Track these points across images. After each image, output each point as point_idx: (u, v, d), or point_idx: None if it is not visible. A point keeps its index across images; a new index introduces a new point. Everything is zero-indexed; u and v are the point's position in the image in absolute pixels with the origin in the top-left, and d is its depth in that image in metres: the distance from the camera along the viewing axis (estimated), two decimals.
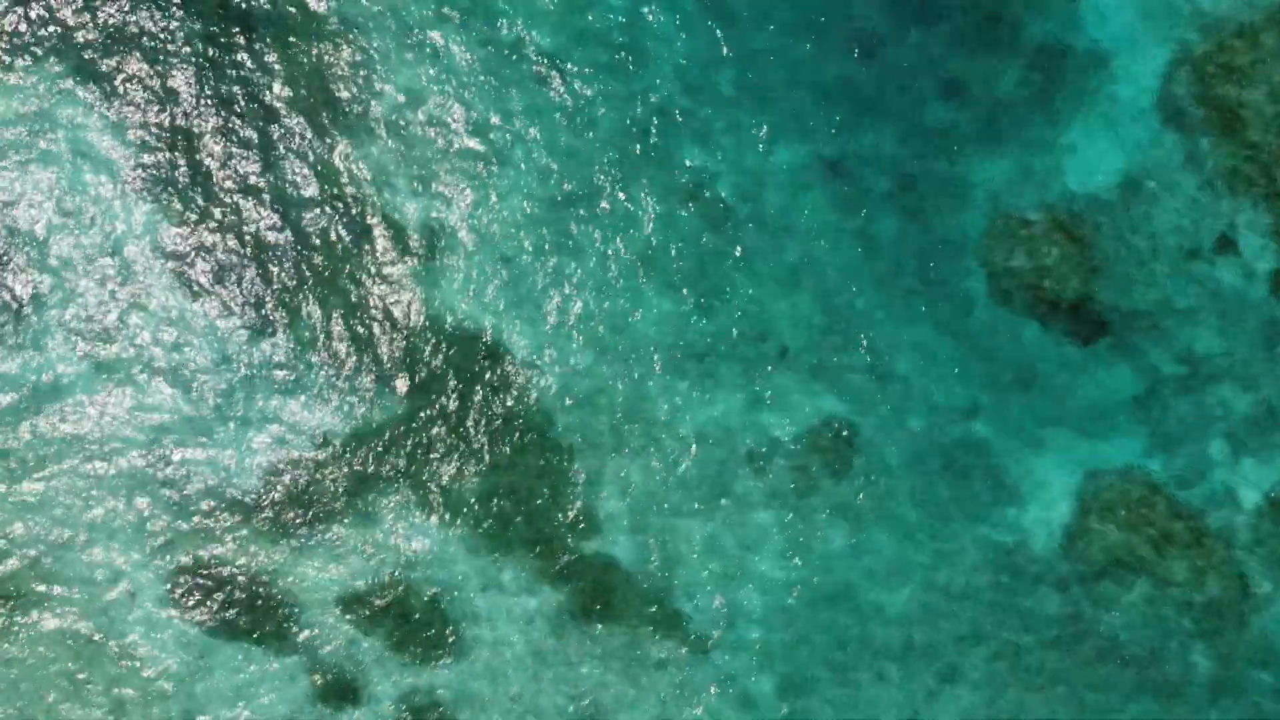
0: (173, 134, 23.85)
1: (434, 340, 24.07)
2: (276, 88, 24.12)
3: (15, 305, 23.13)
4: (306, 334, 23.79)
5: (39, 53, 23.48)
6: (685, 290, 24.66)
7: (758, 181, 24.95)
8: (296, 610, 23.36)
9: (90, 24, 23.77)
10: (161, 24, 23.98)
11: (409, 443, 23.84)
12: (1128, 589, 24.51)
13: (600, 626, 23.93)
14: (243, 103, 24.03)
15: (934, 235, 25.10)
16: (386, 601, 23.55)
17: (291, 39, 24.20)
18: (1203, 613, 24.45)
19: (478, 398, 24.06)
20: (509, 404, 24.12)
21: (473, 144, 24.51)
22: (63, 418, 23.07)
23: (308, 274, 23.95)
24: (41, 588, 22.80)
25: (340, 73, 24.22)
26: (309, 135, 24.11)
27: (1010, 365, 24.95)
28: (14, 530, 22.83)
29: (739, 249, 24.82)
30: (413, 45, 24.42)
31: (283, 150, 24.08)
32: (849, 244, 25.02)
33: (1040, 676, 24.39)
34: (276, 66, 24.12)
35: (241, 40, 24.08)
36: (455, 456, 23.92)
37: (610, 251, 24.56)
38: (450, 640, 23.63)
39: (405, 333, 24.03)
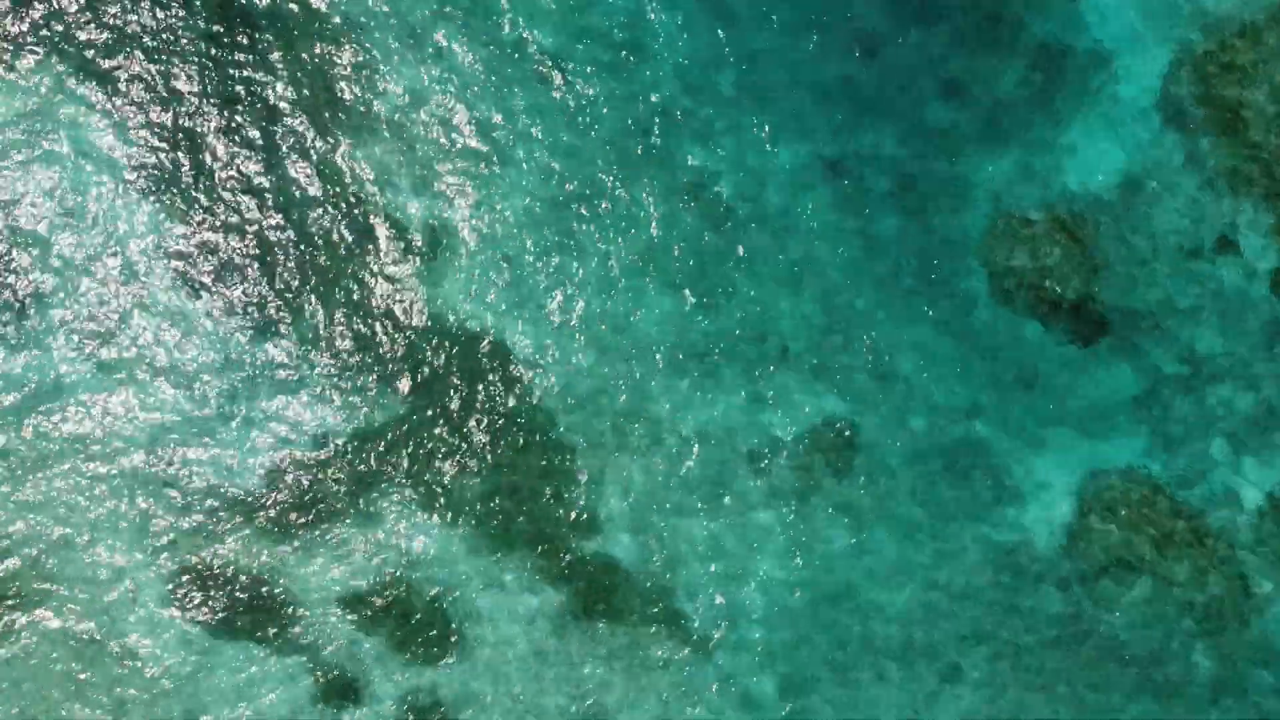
0: (175, 133, 23.85)
1: (436, 340, 24.08)
2: (279, 87, 24.12)
3: (18, 305, 23.13)
4: (308, 333, 23.80)
5: (42, 51, 23.49)
6: (686, 290, 24.68)
7: (759, 181, 24.97)
8: (298, 610, 23.37)
9: (93, 23, 23.78)
10: (164, 23, 23.99)
11: (411, 442, 23.85)
12: (1129, 589, 24.52)
13: (602, 626, 23.94)
14: (245, 102, 24.04)
15: (935, 235, 25.12)
16: (388, 601, 23.56)
17: (294, 38, 24.21)
18: (1204, 612, 24.47)
19: (479, 397, 24.07)
20: (511, 404, 24.13)
21: (475, 143, 24.52)
22: (65, 417, 23.08)
23: (310, 273, 23.96)
24: (43, 587, 22.80)
25: (343, 72, 24.22)
26: (311, 134, 24.12)
27: (1011, 365, 24.97)
28: (16, 529, 22.84)
29: (740, 249, 24.84)
30: (415, 45, 24.43)
31: (285, 150, 24.09)
32: (850, 244, 25.03)
33: (1041, 676, 24.41)
34: (279, 66, 24.13)
35: (244, 39, 24.08)
36: (457, 456, 23.94)
37: (611, 251, 24.58)
38: (452, 640, 23.64)
39: (407, 332, 24.04)
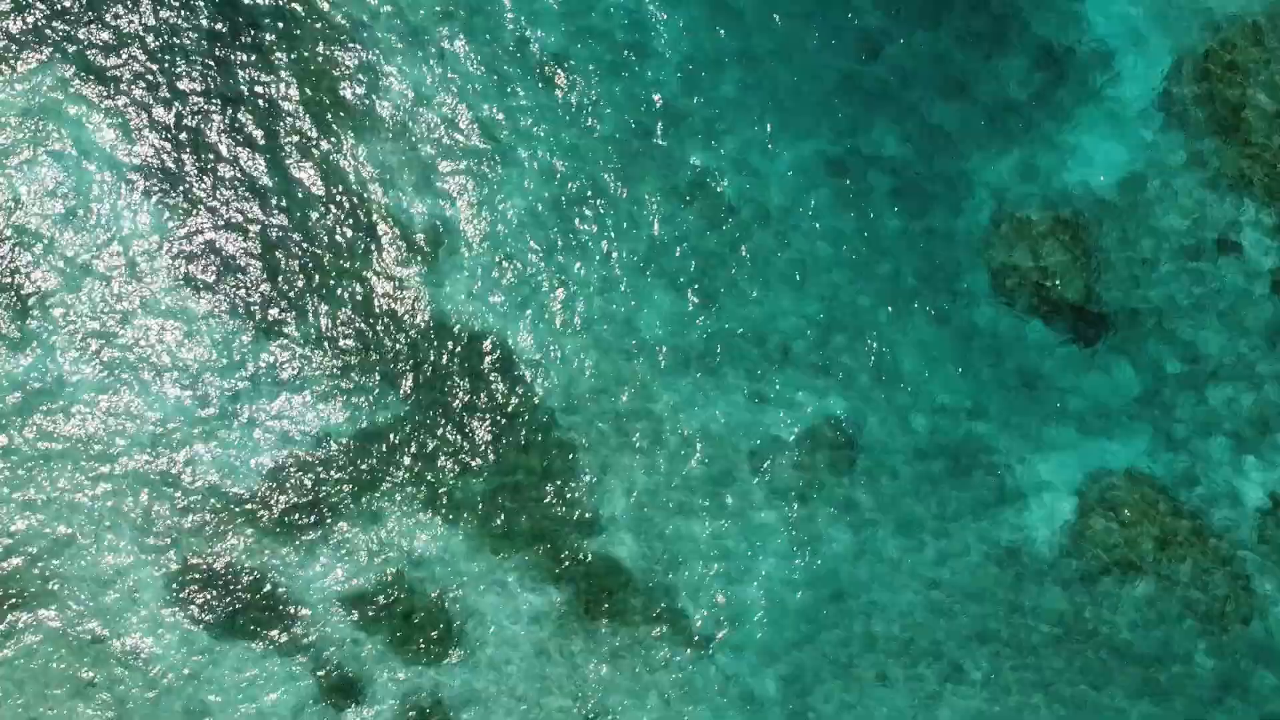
0: (178, 132, 23.85)
1: (438, 339, 24.07)
2: (282, 86, 24.12)
3: (20, 304, 23.11)
4: (311, 333, 23.79)
5: (44, 50, 23.48)
6: (688, 289, 24.68)
7: (760, 181, 24.97)
8: (300, 609, 23.35)
9: (95, 22, 23.77)
10: (167, 22, 23.98)
11: (413, 442, 23.83)
12: (1131, 588, 24.52)
13: (604, 626, 23.92)
14: (248, 101, 24.03)
15: (937, 234, 25.13)
16: (390, 601, 23.54)
17: (297, 38, 24.20)
18: (1206, 612, 24.47)
19: (481, 397, 24.06)
20: (512, 403, 24.13)
21: (477, 143, 24.52)
22: (67, 416, 23.06)
23: (312, 273, 23.95)
24: (45, 587, 22.78)
25: (345, 72, 24.22)
26: (314, 134, 24.12)
27: (1013, 364, 24.97)
28: (18, 529, 22.81)
29: (742, 248, 24.84)
30: (418, 44, 24.43)
31: (287, 149, 24.09)
32: (852, 243, 25.04)
33: (1043, 676, 24.39)
34: (282, 65, 24.12)
35: (247, 39, 24.08)
36: (459, 456, 23.92)
37: (613, 251, 24.58)
38: (454, 639, 23.62)
39: (409, 332, 24.04)
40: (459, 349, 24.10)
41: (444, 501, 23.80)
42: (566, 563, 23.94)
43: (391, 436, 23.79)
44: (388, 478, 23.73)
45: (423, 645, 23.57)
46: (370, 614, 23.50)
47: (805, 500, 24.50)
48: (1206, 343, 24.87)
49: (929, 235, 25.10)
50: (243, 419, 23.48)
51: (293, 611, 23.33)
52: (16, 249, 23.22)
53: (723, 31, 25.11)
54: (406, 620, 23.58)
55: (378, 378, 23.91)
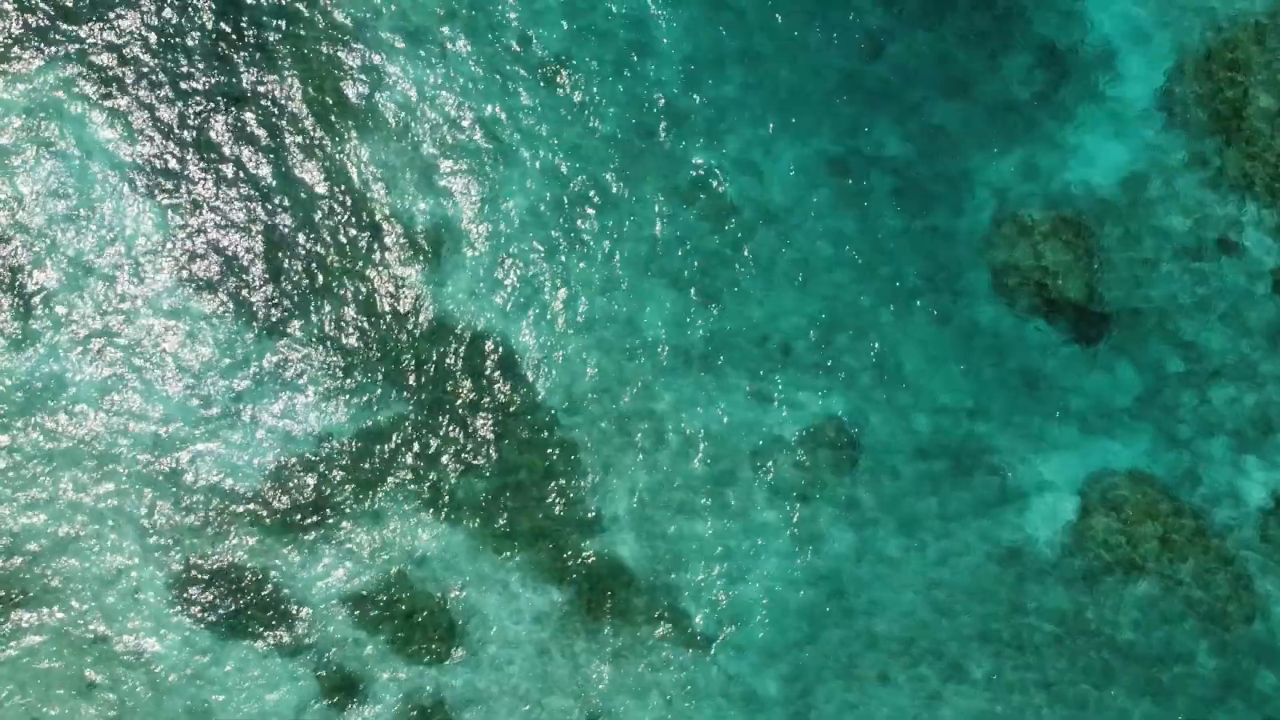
0: (181, 132, 23.86)
1: (440, 339, 24.07)
2: (285, 86, 24.13)
3: (24, 303, 23.12)
4: (314, 333, 23.79)
5: (48, 49, 23.49)
6: (690, 289, 24.67)
7: (762, 180, 24.97)
8: (302, 609, 23.34)
9: (98, 21, 23.78)
10: (170, 21, 23.99)
11: (415, 441, 23.83)
12: (1132, 588, 24.49)
13: (606, 626, 23.90)
14: (251, 100, 24.04)
15: (939, 234, 25.11)
16: (392, 600, 23.53)
17: (301, 38, 24.21)
18: (1207, 612, 24.43)
19: (484, 396, 24.06)
20: (515, 403, 24.12)
21: (479, 143, 24.53)
22: (70, 416, 23.07)
23: (315, 273, 23.95)
24: (48, 586, 22.78)
25: (349, 71, 24.23)
26: (317, 133, 24.13)
27: (1015, 364, 24.95)
28: (21, 528, 22.82)
29: (744, 248, 24.83)
30: (420, 44, 24.44)
31: (291, 149, 24.10)
32: (853, 242, 25.02)
33: (1045, 675, 24.36)
34: (285, 65, 24.13)
35: (251, 38, 24.09)
36: (461, 455, 23.92)
37: (615, 250, 24.57)
38: (456, 639, 23.61)
39: (412, 331, 24.04)
40: (461, 348, 24.10)
41: (446, 501, 23.79)
42: (569, 562, 23.93)
43: (394, 436, 23.79)
44: (390, 477, 23.73)
45: (425, 645, 23.56)
46: (372, 614, 23.50)
47: (807, 500, 24.48)
48: (1208, 342, 24.85)
49: (931, 235, 25.09)
50: (245, 419, 23.49)
51: (295, 611, 23.33)
52: (19, 248, 23.23)
53: (724, 31, 25.10)
54: (408, 620, 23.57)
55: (380, 377, 23.91)
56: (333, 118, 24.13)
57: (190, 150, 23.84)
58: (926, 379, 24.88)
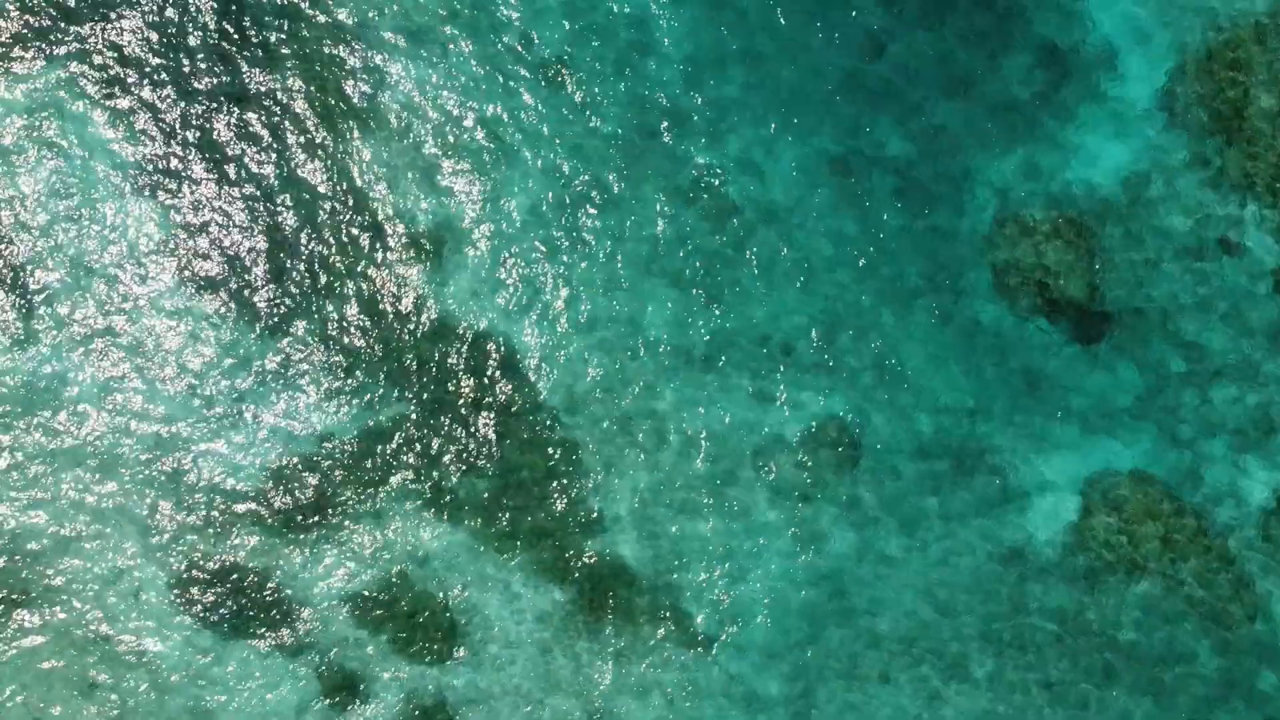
0: (183, 131, 23.86)
1: (442, 339, 24.07)
2: (288, 86, 24.13)
3: (26, 302, 23.12)
4: (315, 332, 23.79)
5: (51, 48, 23.49)
6: (692, 289, 24.68)
7: (764, 180, 24.98)
8: (304, 608, 23.34)
9: (101, 20, 23.78)
10: (173, 20, 23.99)
11: (418, 441, 23.84)
12: (1134, 587, 24.49)
13: (608, 626, 23.90)
14: (254, 100, 24.04)
15: (940, 233, 25.13)
16: (394, 600, 23.53)
17: (303, 37, 24.22)
18: (1209, 611, 24.43)
19: (486, 396, 24.06)
20: (517, 402, 24.13)
21: (482, 143, 24.54)
22: (72, 415, 23.06)
23: (317, 272, 23.96)
24: (51, 586, 22.77)
25: (351, 71, 24.24)
26: (320, 133, 24.13)
27: (1016, 364, 24.96)
28: (22, 528, 22.81)
29: (745, 247, 24.84)
30: (423, 44, 24.45)
31: (293, 148, 24.10)
32: (855, 242, 25.04)
33: (1046, 675, 24.37)
34: (288, 65, 24.14)
35: (253, 38, 24.09)
36: (463, 455, 23.92)
37: (617, 250, 24.59)
38: (458, 639, 23.61)
39: (414, 331, 24.04)
40: (463, 348, 24.10)
41: (448, 501, 23.80)
42: (570, 562, 23.94)
43: (395, 436, 23.78)
44: (392, 477, 23.73)
45: (426, 645, 23.56)
46: (374, 613, 23.50)
47: (808, 499, 24.49)
48: (1210, 342, 24.87)
49: (932, 234, 25.11)
50: (247, 418, 23.49)
51: (296, 611, 23.33)
52: (22, 247, 23.22)
53: (725, 31, 25.11)
54: (410, 620, 23.57)
55: (382, 377, 23.91)
56: (335, 117, 24.14)
57: (192, 150, 23.84)
58: (928, 379, 24.90)
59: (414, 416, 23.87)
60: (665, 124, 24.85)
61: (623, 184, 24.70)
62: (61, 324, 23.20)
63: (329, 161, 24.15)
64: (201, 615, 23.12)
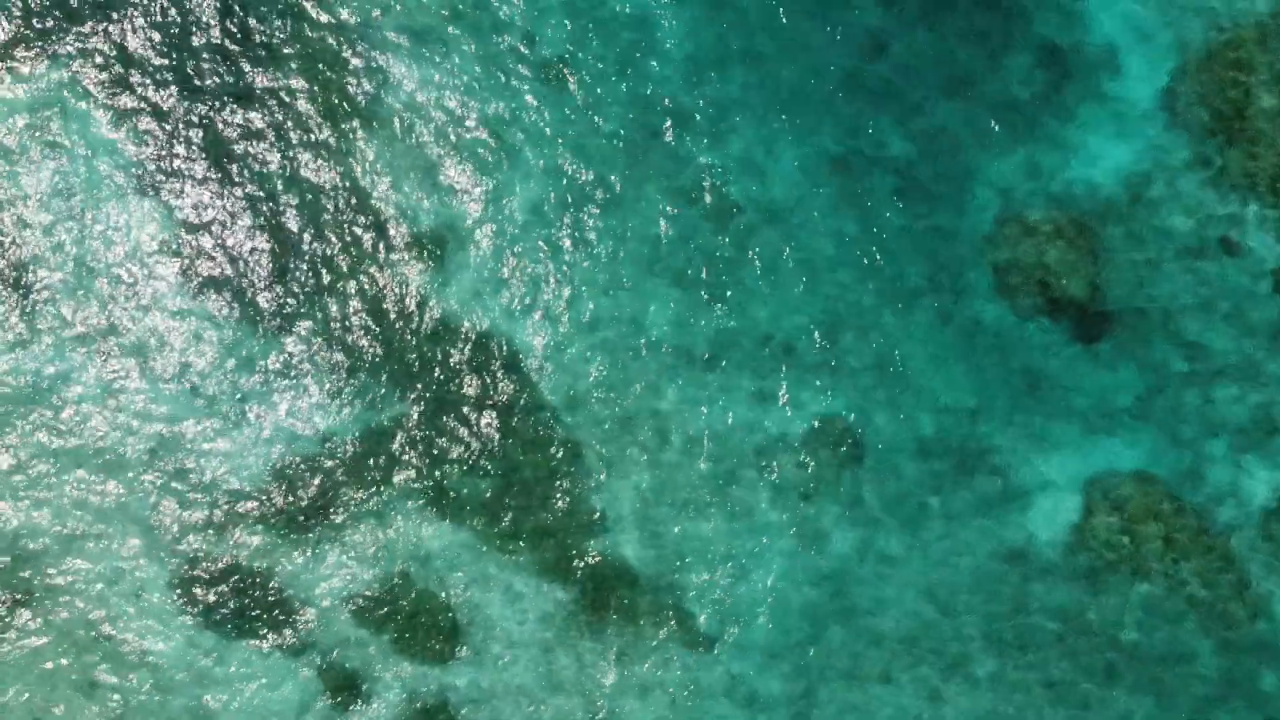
0: (186, 130, 23.86)
1: (445, 338, 24.07)
2: (291, 85, 24.13)
3: (29, 301, 23.10)
4: (318, 332, 23.79)
5: (54, 47, 23.48)
6: (694, 289, 24.67)
7: (765, 180, 24.98)
8: (306, 608, 23.34)
9: (104, 19, 23.78)
10: (176, 20, 23.98)
11: (420, 441, 23.83)
12: (1135, 587, 24.49)
13: (610, 625, 23.90)
14: (256, 100, 24.04)
15: (941, 233, 25.13)
16: (396, 600, 23.52)
17: (306, 37, 24.22)
18: (1210, 611, 24.43)
19: (488, 396, 24.06)
20: (519, 402, 24.12)
21: (485, 144, 24.54)
22: (74, 415, 23.05)
23: (320, 273, 23.95)
24: (53, 585, 22.76)
25: (354, 70, 24.24)
26: (323, 133, 24.13)
27: (1018, 363, 24.96)
28: (25, 527, 22.80)
29: (747, 247, 24.84)
30: (425, 44, 24.45)
31: (296, 148, 24.10)
32: (856, 242, 25.04)
33: (1048, 674, 24.36)
34: (291, 64, 24.14)
35: (256, 37, 24.09)
36: (466, 455, 23.92)
37: (620, 250, 24.59)
38: (460, 639, 23.60)
39: (416, 331, 24.04)
40: (466, 348, 24.10)
41: (450, 501, 23.79)
42: (573, 562, 23.93)
43: (398, 436, 23.78)
44: (394, 477, 23.73)
45: (428, 645, 23.56)
46: (376, 613, 23.49)
47: (810, 499, 24.48)
48: (1211, 342, 24.86)
49: (933, 234, 25.11)
50: (250, 418, 23.48)
51: (299, 611, 23.32)
52: (25, 246, 23.21)
53: (726, 31, 25.12)
54: (412, 620, 23.56)
55: (385, 377, 23.90)
56: (338, 117, 24.15)
57: (195, 149, 23.84)
58: (929, 378, 24.90)
59: (416, 416, 23.87)
60: (667, 124, 24.86)
61: (624, 184, 24.70)
62: (64, 323, 23.19)
63: (332, 161, 24.15)
64: (203, 615, 23.11)
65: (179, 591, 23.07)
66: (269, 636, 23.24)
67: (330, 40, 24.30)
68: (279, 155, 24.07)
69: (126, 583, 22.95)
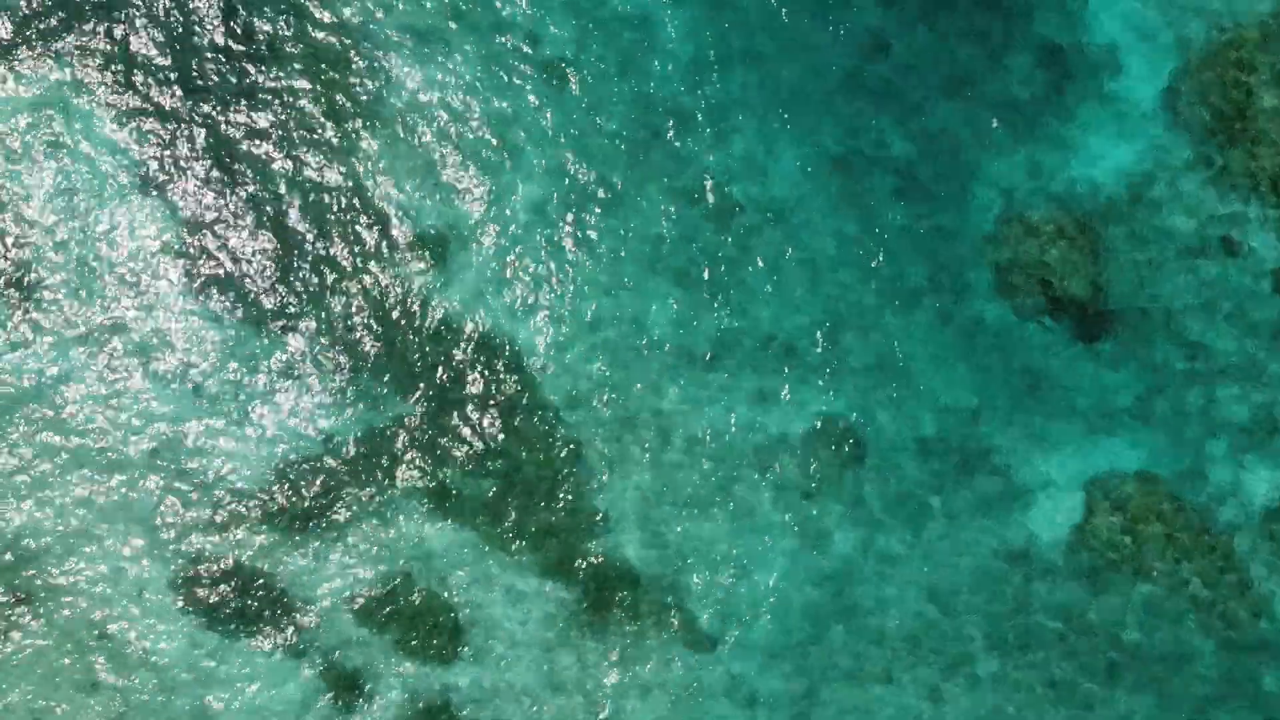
0: (189, 130, 23.86)
1: (447, 338, 24.07)
2: (293, 84, 24.14)
3: (30, 301, 23.11)
4: (321, 332, 23.79)
5: (56, 46, 23.48)
6: (696, 288, 24.68)
7: (767, 180, 24.99)
8: (308, 608, 23.33)
9: (106, 19, 23.78)
10: (179, 19, 23.99)
11: (422, 441, 23.83)
12: (1137, 586, 24.50)
13: (612, 625, 23.90)
14: (258, 99, 24.04)
15: (942, 233, 25.14)
16: (399, 600, 23.52)
17: (309, 36, 24.23)
18: (1211, 612, 24.45)
19: (490, 396, 24.06)
20: (521, 403, 24.12)
21: (487, 144, 24.55)
22: (75, 414, 23.05)
23: (322, 273, 23.96)
24: (54, 584, 22.75)
25: (356, 69, 24.25)
26: (325, 132, 24.14)
27: (1019, 363, 24.97)
28: (26, 527, 22.79)
29: (749, 247, 24.85)
30: (428, 43, 24.46)
31: (299, 148, 24.11)
32: (857, 242, 25.05)
33: (1049, 674, 24.37)
34: (294, 63, 24.15)
35: (260, 36, 24.10)
36: (468, 455, 23.92)
37: (622, 250, 24.60)
38: (462, 639, 23.60)
39: (419, 331, 24.04)
40: (468, 348, 24.10)
41: (453, 500, 23.79)
42: (575, 562, 23.93)
43: (401, 435, 23.78)
44: (397, 477, 23.72)
45: (431, 645, 23.55)
46: (378, 613, 23.48)
47: (812, 499, 24.49)
48: (1213, 342, 24.87)
49: (934, 234, 25.12)
50: (253, 418, 23.48)
51: (301, 611, 23.31)
52: (26, 246, 23.21)
53: (728, 31, 25.13)
54: (415, 619, 23.56)
55: (387, 377, 23.90)
56: (341, 116, 24.16)
57: (198, 149, 23.84)
58: (931, 378, 24.90)
59: (418, 416, 23.87)
60: (669, 123, 24.87)
61: (626, 183, 24.71)
62: (67, 323, 23.19)
63: (334, 161, 24.16)
64: (205, 615, 23.11)
65: (181, 591, 23.07)
66: (271, 636, 23.23)
67: (333, 40, 24.32)
68: (282, 155, 24.08)
69: (128, 582, 22.95)
